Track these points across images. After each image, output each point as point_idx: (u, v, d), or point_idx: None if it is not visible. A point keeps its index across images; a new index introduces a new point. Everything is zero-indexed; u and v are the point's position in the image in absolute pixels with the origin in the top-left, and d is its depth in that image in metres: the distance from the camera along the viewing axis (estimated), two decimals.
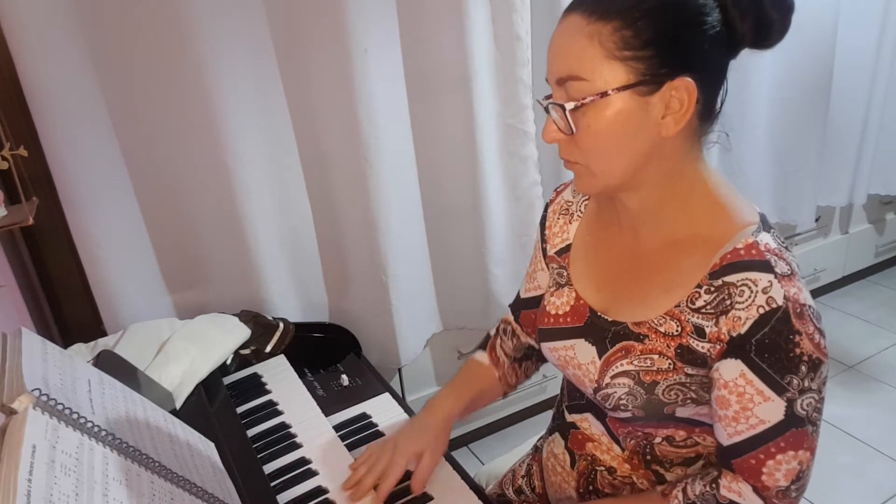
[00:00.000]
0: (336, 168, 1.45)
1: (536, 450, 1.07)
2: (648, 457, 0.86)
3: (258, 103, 1.34)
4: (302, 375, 1.20)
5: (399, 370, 1.78)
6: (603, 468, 0.90)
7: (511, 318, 1.04)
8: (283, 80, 1.36)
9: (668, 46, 0.67)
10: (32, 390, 0.62)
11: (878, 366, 2.22)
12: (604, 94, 0.68)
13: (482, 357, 1.05)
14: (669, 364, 0.76)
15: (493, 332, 1.07)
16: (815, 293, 2.62)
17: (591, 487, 0.92)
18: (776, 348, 0.68)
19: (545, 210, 0.98)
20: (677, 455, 0.84)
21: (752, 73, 1.94)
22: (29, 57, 1.12)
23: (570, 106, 0.69)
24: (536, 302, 0.98)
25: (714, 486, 0.77)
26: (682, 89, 0.68)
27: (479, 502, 0.90)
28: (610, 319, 0.82)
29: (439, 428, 0.96)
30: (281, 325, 1.29)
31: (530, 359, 1.05)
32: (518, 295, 1.03)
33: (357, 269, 1.56)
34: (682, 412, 0.79)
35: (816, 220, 2.33)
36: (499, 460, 1.21)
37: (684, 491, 0.79)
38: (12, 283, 1.20)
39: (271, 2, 1.29)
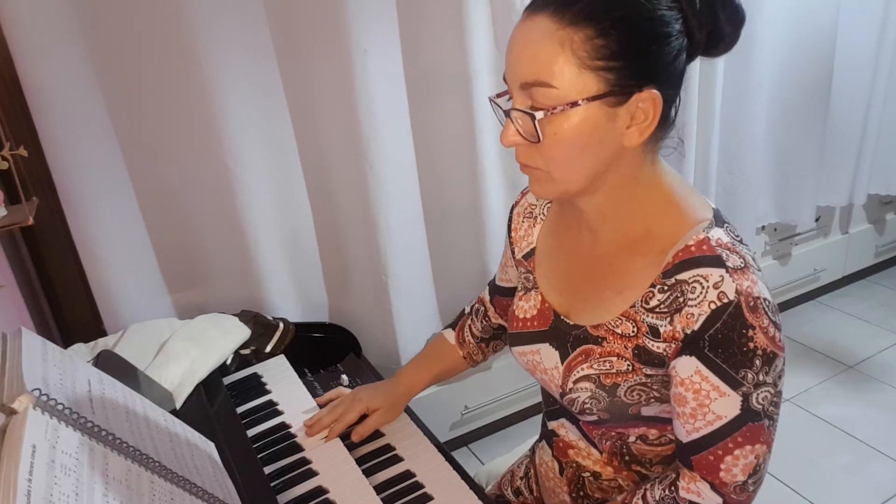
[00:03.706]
0: (336, 168, 1.45)
1: (533, 452, 1.07)
2: (627, 457, 0.86)
3: (258, 103, 1.34)
4: (302, 375, 1.20)
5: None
6: (588, 474, 0.91)
7: (487, 297, 1.09)
8: (283, 80, 1.36)
9: (637, 58, 0.66)
10: (32, 390, 0.62)
11: (878, 366, 2.21)
12: (574, 104, 0.66)
13: (450, 336, 1.12)
14: (628, 365, 0.76)
15: (467, 310, 1.12)
16: (815, 293, 2.62)
17: (581, 493, 0.92)
18: (729, 343, 0.68)
19: (511, 211, 0.98)
20: (654, 453, 0.85)
21: (753, 73, 1.94)
22: (29, 57, 1.12)
23: (539, 115, 0.67)
24: (508, 291, 1.02)
25: (673, 488, 0.77)
26: (649, 101, 0.68)
27: (479, 502, 0.90)
28: (571, 323, 0.82)
29: (398, 395, 1.07)
30: (281, 325, 1.29)
31: (499, 338, 1.10)
32: (494, 279, 1.07)
33: (357, 269, 1.56)
34: (647, 411, 0.79)
35: (816, 220, 2.32)
36: (499, 460, 1.22)
37: (644, 497, 0.79)
38: (12, 283, 1.20)
39: (271, 2, 1.29)
